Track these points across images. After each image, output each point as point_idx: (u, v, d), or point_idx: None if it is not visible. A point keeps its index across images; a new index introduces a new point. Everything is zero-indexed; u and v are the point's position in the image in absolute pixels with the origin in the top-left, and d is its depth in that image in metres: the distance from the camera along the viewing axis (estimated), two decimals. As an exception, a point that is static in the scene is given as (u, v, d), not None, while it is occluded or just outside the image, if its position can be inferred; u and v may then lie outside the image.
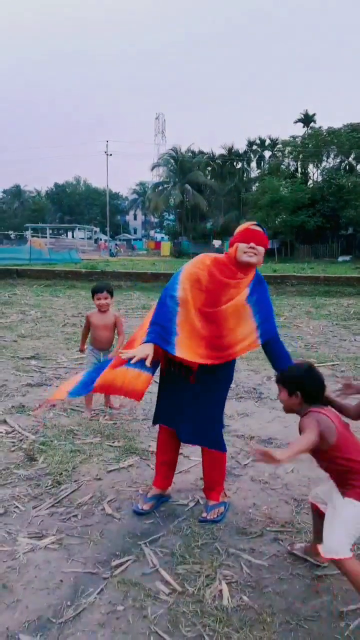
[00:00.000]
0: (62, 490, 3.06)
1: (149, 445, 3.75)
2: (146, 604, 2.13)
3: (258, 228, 2.63)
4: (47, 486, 3.11)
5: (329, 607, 2.13)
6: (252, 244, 2.54)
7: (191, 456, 3.56)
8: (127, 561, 2.41)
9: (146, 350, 2.44)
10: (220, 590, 2.20)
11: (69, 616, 2.05)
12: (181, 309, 2.53)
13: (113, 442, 3.80)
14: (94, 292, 4.40)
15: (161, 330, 2.50)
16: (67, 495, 3.02)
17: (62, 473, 3.27)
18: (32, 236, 42.66)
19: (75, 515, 2.81)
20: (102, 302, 4.36)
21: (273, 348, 2.69)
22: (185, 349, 2.50)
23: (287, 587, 2.26)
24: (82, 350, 4.70)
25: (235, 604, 2.13)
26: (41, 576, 2.30)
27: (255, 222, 2.70)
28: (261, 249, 2.58)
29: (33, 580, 2.27)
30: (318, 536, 2.24)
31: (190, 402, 2.70)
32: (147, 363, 2.42)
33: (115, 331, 4.46)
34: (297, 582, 2.29)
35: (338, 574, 2.33)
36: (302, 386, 2.19)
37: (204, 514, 2.82)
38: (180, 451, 3.66)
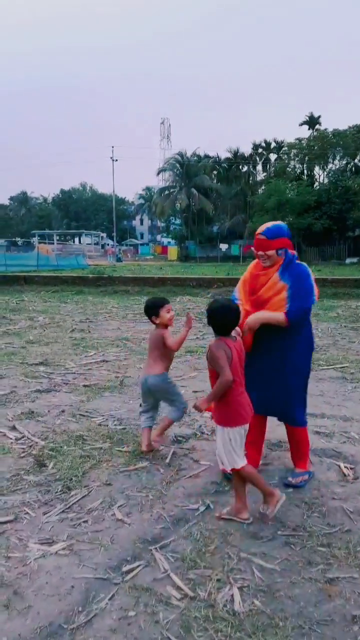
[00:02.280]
0: (72, 496, 3.07)
1: (159, 450, 3.75)
2: (158, 609, 2.12)
3: (260, 236, 3.10)
4: (57, 492, 3.12)
5: (342, 611, 2.11)
6: (259, 252, 3.13)
7: (201, 460, 3.56)
8: (138, 566, 2.41)
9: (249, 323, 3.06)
10: (232, 595, 2.19)
11: (80, 622, 2.05)
12: (239, 302, 3.19)
13: (122, 447, 3.80)
14: (160, 305, 3.60)
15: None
16: (77, 500, 3.02)
17: (72, 479, 3.27)
18: (39, 242, 42.90)
19: (86, 521, 2.81)
20: (173, 314, 3.65)
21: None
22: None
23: (299, 591, 2.24)
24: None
25: (247, 609, 2.12)
26: (52, 582, 2.30)
27: (262, 230, 3.13)
28: (270, 252, 3.08)
29: (44, 586, 2.28)
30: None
31: (258, 375, 3.11)
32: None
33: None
34: (309, 586, 2.27)
35: (351, 577, 2.32)
36: (212, 320, 2.76)
37: (289, 479, 3.22)
38: (190, 455, 3.69)
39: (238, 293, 3.28)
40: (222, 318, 2.74)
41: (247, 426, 2.79)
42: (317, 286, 3.14)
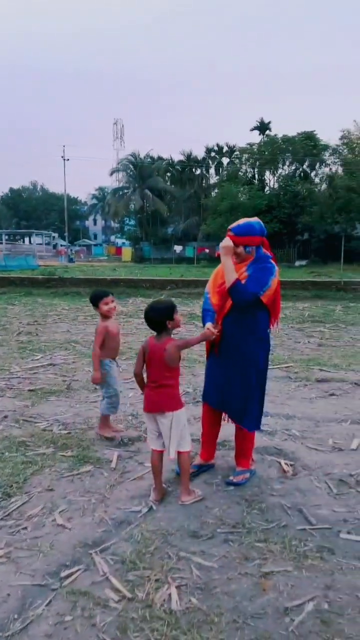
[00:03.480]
0: (11, 503, 3.01)
1: (104, 454, 3.74)
2: (95, 612, 2.13)
3: (230, 233, 3.17)
4: (-4, 499, 3.06)
5: (275, 603, 2.19)
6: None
7: (146, 462, 3.57)
8: (77, 571, 2.40)
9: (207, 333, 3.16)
10: (170, 594, 2.23)
11: (15, 629, 2.02)
12: (209, 294, 3.33)
13: (66, 452, 3.76)
14: (100, 297, 3.94)
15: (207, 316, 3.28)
16: (17, 507, 2.97)
17: (12, 485, 3.21)
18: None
19: (25, 528, 2.77)
20: (111, 306, 3.96)
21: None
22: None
23: (235, 586, 2.30)
24: (98, 377, 3.93)
25: (184, 607, 2.16)
26: (-12, 591, 2.26)
27: (232, 226, 3.19)
28: (239, 250, 3.15)
29: (-21, 595, 2.23)
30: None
31: (221, 375, 3.27)
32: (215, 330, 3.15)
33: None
34: (245, 581, 2.34)
35: (285, 570, 2.40)
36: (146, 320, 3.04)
37: (231, 477, 3.31)
38: (135, 457, 3.71)
39: (208, 286, 3.36)
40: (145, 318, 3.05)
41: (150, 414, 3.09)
42: (272, 295, 3.16)
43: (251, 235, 3.14)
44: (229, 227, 3.19)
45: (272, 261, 3.21)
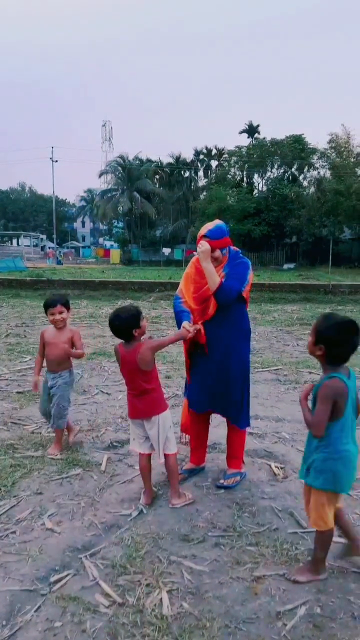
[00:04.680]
0: None
1: (93, 457, 3.71)
2: (85, 618, 2.10)
3: (205, 238, 3.15)
4: (-16, 503, 3.01)
5: (267, 608, 2.18)
6: None
7: (135, 465, 3.54)
8: (66, 576, 2.37)
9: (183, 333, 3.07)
10: (161, 599, 2.20)
11: (3, 636, 1.98)
12: (183, 299, 3.27)
13: (55, 455, 3.71)
14: (46, 306, 3.77)
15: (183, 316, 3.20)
16: (6, 511, 2.93)
17: (0, 489, 3.16)
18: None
19: (14, 532, 2.73)
20: (57, 318, 3.74)
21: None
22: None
23: (227, 591, 2.29)
24: (34, 383, 3.90)
25: (176, 612, 2.14)
26: (-25, 597, 2.21)
27: (204, 232, 3.17)
28: (216, 254, 3.13)
29: (-33, 602, 2.19)
30: None
31: (211, 377, 3.23)
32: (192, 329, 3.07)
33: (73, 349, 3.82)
34: (236, 585, 2.32)
35: (276, 574, 2.39)
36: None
37: (222, 480, 3.30)
38: (125, 460, 3.68)
39: (181, 292, 3.32)
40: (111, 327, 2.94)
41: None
42: (249, 287, 3.21)
43: (225, 237, 3.19)
44: (202, 233, 3.19)
45: (242, 255, 3.28)
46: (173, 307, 3.34)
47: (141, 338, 2.97)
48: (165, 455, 3.03)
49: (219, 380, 3.23)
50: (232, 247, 3.28)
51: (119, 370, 3.09)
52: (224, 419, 3.42)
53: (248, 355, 3.35)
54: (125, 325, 2.86)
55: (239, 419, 3.32)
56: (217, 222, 3.29)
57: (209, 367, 3.27)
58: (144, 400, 2.97)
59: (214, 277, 3.06)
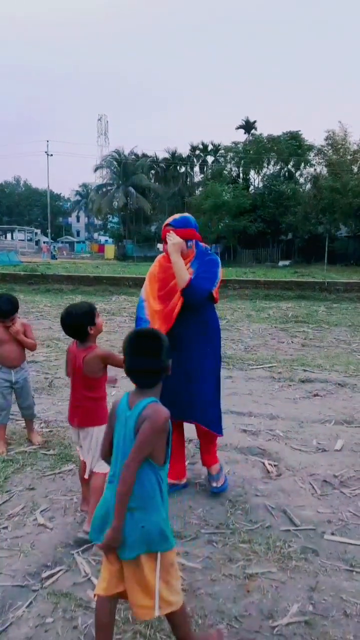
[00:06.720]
0: (-8, 502, 2.95)
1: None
2: (77, 614, 2.09)
3: (168, 227, 2.99)
4: (-24, 498, 2.99)
5: (259, 605, 2.18)
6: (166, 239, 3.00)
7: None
8: (58, 571, 2.36)
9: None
10: (153, 596, 2.19)
11: (-6, 633, 1.97)
12: (145, 302, 3.09)
13: (48, 451, 3.70)
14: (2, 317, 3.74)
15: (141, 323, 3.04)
16: (-2, 506, 2.91)
17: (-8, 484, 3.15)
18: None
19: (5, 527, 2.72)
20: (16, 329, 3.79)
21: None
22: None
23: (219, 588, 2.28)
24: None
25: (168, 609, 2.12)
26: (-34, 593, 2.20)
27: (169, 220, 3.03)
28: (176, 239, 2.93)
29: None
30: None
31: (179, 384, 2.90)
32: None
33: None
34: (228, 583, 2.32)
35: (269, 572, 2.39)
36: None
37: (213, 484, 3.13)
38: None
39: (145, 293, 3.11)
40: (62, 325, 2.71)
41: None
42: (218, 285, 3.06)
43: (191, 228, 3.01)
44: (167, 223, 3.01)
45: (211, 252, 3.13)
46: (136, 309, 3.17)
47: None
48: (93, 473, 2.67)
49: (186, 388, 2.97)
50: (201, 243, 3.10)
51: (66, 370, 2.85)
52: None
53: (219, 355, 3.18)
54: (79, 322, 2.63)
55: (211, 426, 3.07)
56: (185, 214, 3.13)
57: (177, 372, 2.81)
58: (82, 407, 2.70)
59: (184, 274, 2.87)
